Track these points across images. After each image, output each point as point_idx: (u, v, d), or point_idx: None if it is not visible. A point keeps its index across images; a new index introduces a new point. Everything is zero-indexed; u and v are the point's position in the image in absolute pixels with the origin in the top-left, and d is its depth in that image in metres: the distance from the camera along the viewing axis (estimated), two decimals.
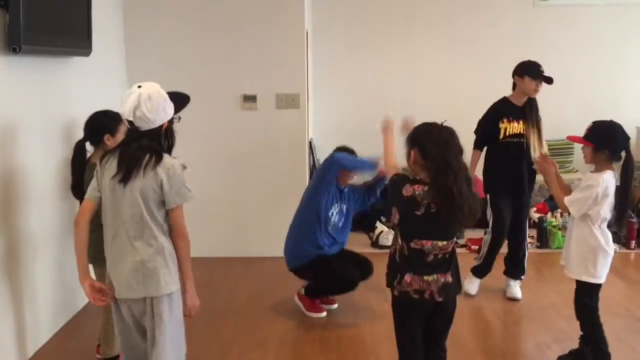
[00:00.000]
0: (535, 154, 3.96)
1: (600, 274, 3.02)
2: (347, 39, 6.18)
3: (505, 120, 4.04)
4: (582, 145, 3.08)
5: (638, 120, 5.82)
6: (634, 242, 5.25)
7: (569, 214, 3.06)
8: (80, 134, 3.14)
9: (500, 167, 4.11)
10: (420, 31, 6.20)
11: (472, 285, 4.26)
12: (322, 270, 3.84)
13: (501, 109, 4.09)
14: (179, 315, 2.47)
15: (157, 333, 2.38)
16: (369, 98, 6.14)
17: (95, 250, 2.50)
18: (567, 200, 3.02)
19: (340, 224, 3.97)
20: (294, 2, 4.87)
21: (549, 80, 4.01)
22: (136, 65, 4.80)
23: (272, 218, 5.00)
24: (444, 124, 2.46)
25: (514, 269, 4.26)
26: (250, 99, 4.92)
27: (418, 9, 6.18)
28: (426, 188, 2.35)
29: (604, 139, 3.00)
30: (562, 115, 6.03)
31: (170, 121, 2.40)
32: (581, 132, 3.08)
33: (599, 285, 3.06)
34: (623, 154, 2.98)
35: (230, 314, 4.01)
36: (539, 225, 5.35)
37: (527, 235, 4.31)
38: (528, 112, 4.06)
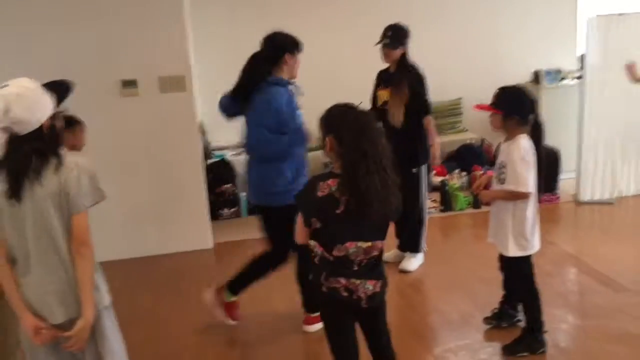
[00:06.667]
0: (393, 121, 3.79)
1: (534, 244, 3.00)
2: (230, 8, 5.79)
3: (379, 88, 4.02)
4: (489, 112, 3.02)
5: (519, 77, 5.96)
6: None
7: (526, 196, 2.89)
8: None
9: None
10: None
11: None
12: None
13: (379, 76, 4.06)
14: (117, 330, 2.28)
15: (103, 354, 2.17)
16: None
17: None
18: (513, 184, 2.87)
19: None
20: None
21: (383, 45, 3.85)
22: None
23: (167, 210, 4.66)
24: (360, 107, 2.24)
25: (407, 242, 4.17)
26: (130, 84, 4.46)
27: None
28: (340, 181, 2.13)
29: (513, 105, 2.94)
30: (448, 75, 6.10)
31: (53, 117, 2.07)
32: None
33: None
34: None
35: (134, 323, 3.57)
36: (441, 189, 5.30)
37: (423, 210, 4.07)
38: (395, 78, 3.88)
